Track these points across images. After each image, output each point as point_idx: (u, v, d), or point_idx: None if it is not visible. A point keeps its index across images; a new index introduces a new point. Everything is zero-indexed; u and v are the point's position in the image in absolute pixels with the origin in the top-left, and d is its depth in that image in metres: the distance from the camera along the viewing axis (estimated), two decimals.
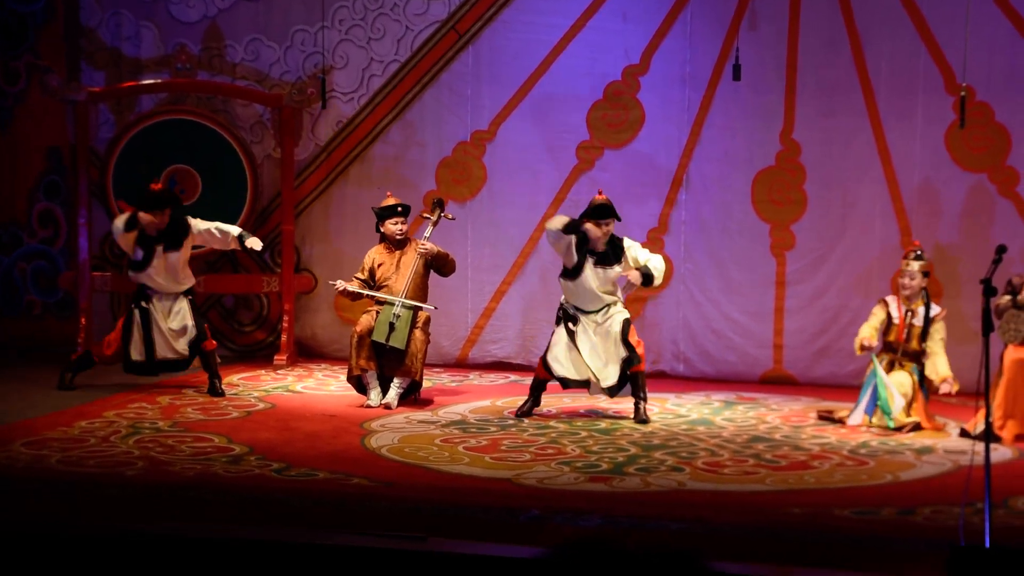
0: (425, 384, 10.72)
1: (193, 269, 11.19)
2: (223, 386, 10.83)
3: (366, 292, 10.60)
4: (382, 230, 10.75)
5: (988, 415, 7.12)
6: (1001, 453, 9.00)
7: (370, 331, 10.34)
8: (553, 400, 10.47)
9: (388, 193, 10.98)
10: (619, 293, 10.22)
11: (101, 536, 6.35)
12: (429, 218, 10.78)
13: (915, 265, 9.98)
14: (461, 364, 12.40)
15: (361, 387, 10.51)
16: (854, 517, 7.54)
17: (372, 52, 12.42)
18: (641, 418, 9.96)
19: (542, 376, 10.22)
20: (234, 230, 10.94)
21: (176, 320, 10.81)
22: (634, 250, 10.15)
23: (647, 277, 10.08)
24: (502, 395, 10.99)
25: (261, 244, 11.03)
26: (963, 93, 10.37)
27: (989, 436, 6.88)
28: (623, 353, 10.02)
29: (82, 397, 10.52)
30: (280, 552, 6.25)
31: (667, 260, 11.87)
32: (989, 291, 6.94)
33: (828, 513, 7.62)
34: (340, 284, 10.62)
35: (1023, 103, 11.26)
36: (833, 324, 11.70)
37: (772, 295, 11.86)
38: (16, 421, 9.64)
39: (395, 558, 6.26)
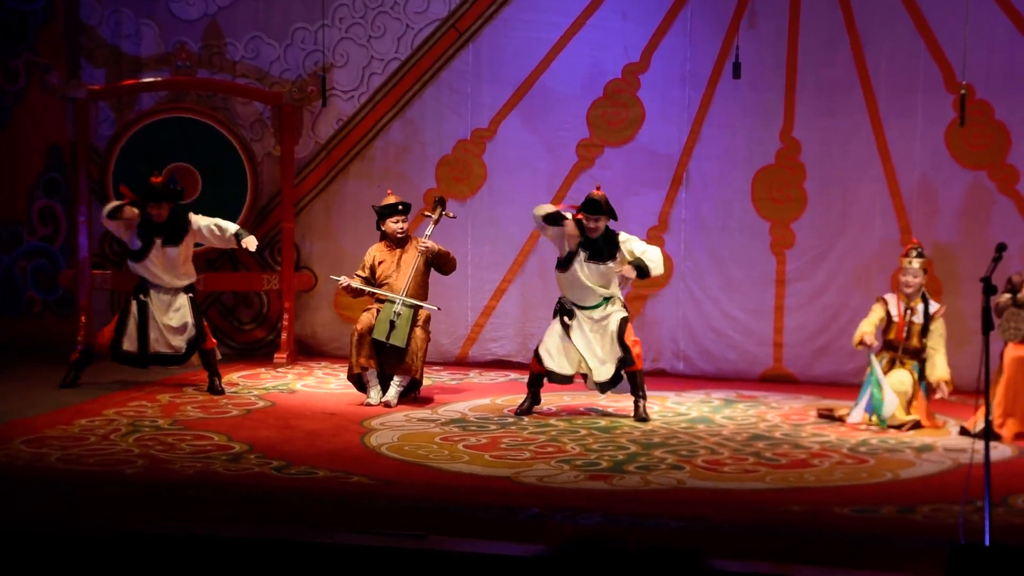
0: (425, 382, 10.72)
1: (195, 267, 11.18)
2: (223, 384, 10.83)
3: (368, 289, 10.59)
4: (383, 228, 10.75)
5: (988, 413, 7.13)
6: (1001, 451, 9.00)
7: (370, 329, 10.34)
8: (553, 398, 10.47)
9: (388, 191, 10.98)
10: (618, 291, 10.20)
11: (101, 535, 6.35)
12: (430, 216, 10.78)
13: (916, 263, 9.99)
14: (461, 362, 12.40)
15: (361, 385, 10.51)
16: (854, 515, 7.54)
17: (372, 50, 12.42)
18: (641, 416, 9.96)
19: (536, 370, 10.22)
20: (232, 227, 10.94)
21: (175, 317, 10.81)
22: (630, 243, 10.09)
23: (641, 269, 10.01)
24: (502, 393, 10.99)
25: (256, 243, 11.01)
26: (963, 91, 10.37)
27: (989, 434, 6.88)
28: (619, 353, 10.02)
29: (82, 395, 10.52)
30: (280, 550, 6.25)
31: (667, 258, 11.88)
32: (989, 289, 6.94)
33: (828, 511, 7.62)
34: (344, 280, 10.62)
35: (1023, 101, 11.25)
36: (833, 322, 11.70)
37: (772, 293, 11.86)
38: (16, 419, 9.63)
39: (395, 556, 6.26)
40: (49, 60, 12.78)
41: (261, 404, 10.42)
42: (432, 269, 10.67)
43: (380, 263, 10.67)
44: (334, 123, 12.52)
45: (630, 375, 10.05)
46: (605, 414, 10.22)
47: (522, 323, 12.13)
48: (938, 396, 9.86)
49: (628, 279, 10.20)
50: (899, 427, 9.69)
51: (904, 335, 9.93)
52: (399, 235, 10.69)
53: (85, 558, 6.01)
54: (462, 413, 10.21)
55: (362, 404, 10.37)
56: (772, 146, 11.75)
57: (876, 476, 8.46)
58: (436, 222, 10.74)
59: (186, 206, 11.31)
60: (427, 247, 10.53)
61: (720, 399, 10.94)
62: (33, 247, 13.14)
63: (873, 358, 9.86)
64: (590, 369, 10.09)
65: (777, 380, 11.76)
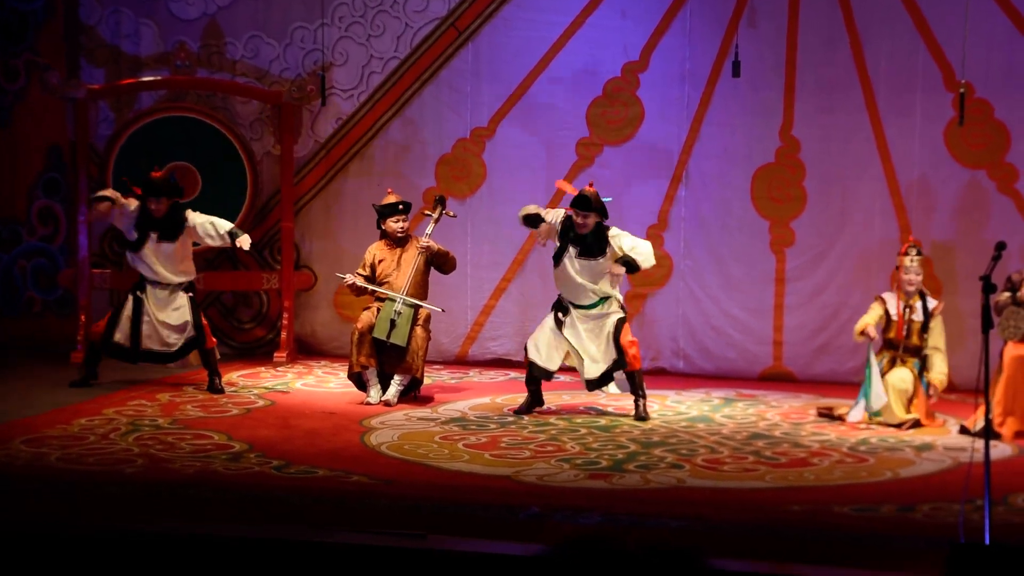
0: (425, 381, 10.71)
1: (194, 266, 11.19)
2: (223, 383, 10.83)
3: (372, 288, 10.58)
4: (383, 227, 10.75)
5: (988, 412, 7.13)
6: (1001, 450, 9.00)
7: (371, 328, 10.34)
8: (553, 397, 10.46)
9: (389, 190, 10.97)
10: (615, 291, 10.17)
11: (101, 534, 6.35)
12: (430, 215, 10.78)
13: (917, 261, 9.98)
14: (461, 361, 12.40)
15: (361, 384, 10.51)
16: (854, 514, 7.54)
17: (372, 49, 12.42)
18: (641, 415, 9.95)
19: (526, 361, 10.22)
20: (226, 225, 10.91)
21: (174, 315, 10.80)
22: (620, 239, 10.05)
23: (629, 265, 9.99)
24: (502, 392, 10.99)
25: (250, 241, 11.01)
26: (962, 90, 10.37)
27: (989, 433, 6.88)
28: (613, 355, 10.02)
29: (81, 395, 10.51)
30: (280, 550, 6.25)
31: (667, 257, 11.93)
32: (988, 288, 6.94)
33: (828, 510, 7.62)
34: (349, 278, 10.60)
35: (1022, 100, 11.25)
36: (833, 321, 11.70)
37: (772, 292, 11.86)
38: (15, 419, 9.63)
39: (395, 556, 6.26)
40: (49, 60, 12.79)
41: (261, 403, 10.42)
42: (432, 268, 10.67)
43: (380, 262, 10.67)
44: (333, 122, 12.52)
45: (629, 375, 10.05)
46: (605, 413, 10.22)
47: (522, 322, 12.12)
48: (931, 397, 9.86)
49: (618, 276, 10.16)
50: (899, 426, 9.69)
51: (904, 334, 9.93)
52: (399, 234, 10.69)
53: (85, 558, 6.01)
54: (462, 412, 10.21)
55: (362, 403, 10.37)
56: (772, 144, 11.75)
57: (876, 475, 8.46)
58: (436, 221, 10.73)
59: (186, 206, 11.31)
60: (427, 246, 10.53)
61: (720, 398, 10.94)
62: (33, 247, 13.14)
63: (872, 351, 9.86)
64: (580, 365, 10.08)
65: (777, 379, 11.76)
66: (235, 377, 11.37)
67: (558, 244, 10.15)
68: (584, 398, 10.54)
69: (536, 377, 10.18)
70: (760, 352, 11.90)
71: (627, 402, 10.21)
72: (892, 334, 9.96)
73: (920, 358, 9.94)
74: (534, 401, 10.20)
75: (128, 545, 6.17)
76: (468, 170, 12.33)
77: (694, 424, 9.87)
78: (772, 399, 10.90)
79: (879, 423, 9.77)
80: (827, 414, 10.15)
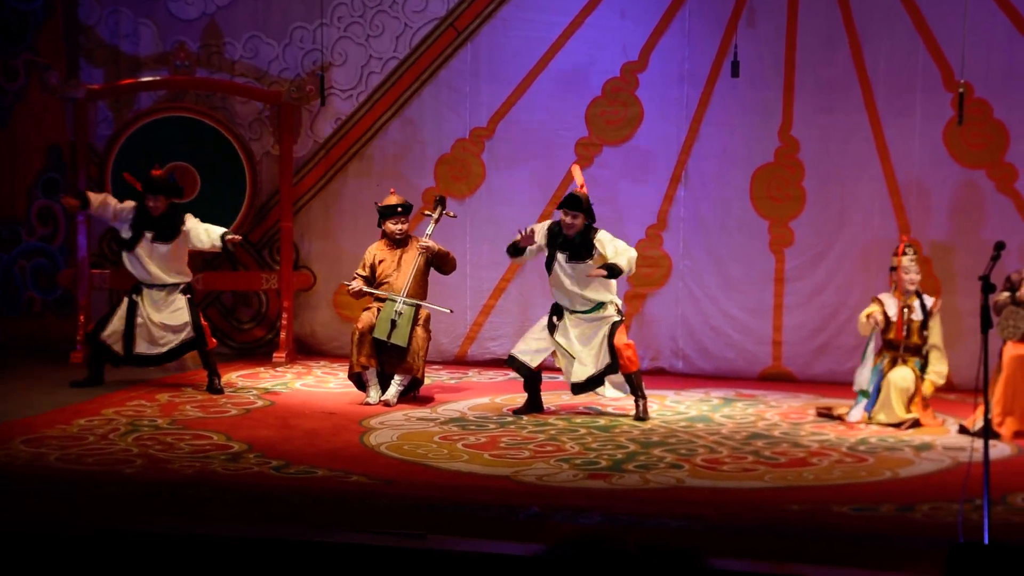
0: (424, 381, 10.71)
1: (192, 266, 11.19)
2: (222, 384, 10.83)
3: (377, 292, 10.55)
4: (383, 227, 10.76)
5: (987, 412, 7.14)
6: (1000, 450, 9.00)
7: (371, 328, 10.33)
8: (552, 398, 10.46)
9: (391, 191, 10.97)
10: (612, 296, 10.15)
11: (100, 534, 6.35)
12: (430, 215, 10.78)
13: (915, 259, 9.98)
14: (460, 361, 12.40)
15: (361, 384, 10.51)
16: (853, 514, 7.55)
17: (371, 49, 12.42)
18: (640, 416, 9.95)
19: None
20: (219, 230, 10.88)
21: (172, 316, 10.79)
22: (604, 244, 10.03)
23: (611, 270, 9.93)
24: (501, 392, 10.99)
25: (240, 237, 11.03)
26: (961, 90, 10.38)
27: (988, 433, 6.89)
28: (607, 360, 10.00)
29: (81, 395, 10.51)
30: (279, 550, 6.25)
31: (666, 257, 11.94)
32: (988, 288, 6.95)
33: (827, 510, 7.62)
34: (354, 285, 10.58)
35: (1021, 99, 11.25)
36: (832, 321, 11.71)
37: (771, 292, 11.86)
38: (15, 419, 9.63)
39: (394, 556, 6.25)
40: (48, 60, 12.79)
41: (260, 403, 10.42)
42: (432, 268, 10.67)
43: (380, 262, 10.67)
44: (333, 122, 12.52)
45: (627, 377, 10.04)
46: (604, 413, 10.22)
47: (521, 322, 12.11)
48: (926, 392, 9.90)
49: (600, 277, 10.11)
50: (898, 425, 9.69)
51: (904, 333, 9.92)
52: (398, 236, 10.69)
53: (85, 558, 6.01)
54: (461, 412, 10.21)
55: (361, 403, 10.37)
56: (771, 144, 11.75)
57: (875, 475, 8.46)
58: (436, 221, 10.73)
59: (186, 209, 11.31)
60: (427, 246, 10.53)
61: (719, 398, 10.94)
62: (32, 247, 13.14)
63: (872, 342, 9.86)
64: (568, 368, 10.07)
65: (776, 379, 11.76)
66: (234, 377, 11.37)
67: (547, 252, 10.15)
68: (584, 398, 10.53)
69: (532, 382, 10.18)
70: (759, 352, 11.90)
71: (626, 402, 10.21)
72: (892, 335, 9.95)
73: (921, 356, 9.94)
74: (533, 406, 10.18)
75: (128, 545, 6.17)
76: (467, 170, 12.33)
77: (693, 424, 9.87)
78: (771, 399, 10.90)
79: (878, 423, 9.77)
80: (826, 414, 10.15)
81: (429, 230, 10.66)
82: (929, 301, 10.02)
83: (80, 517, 7.33)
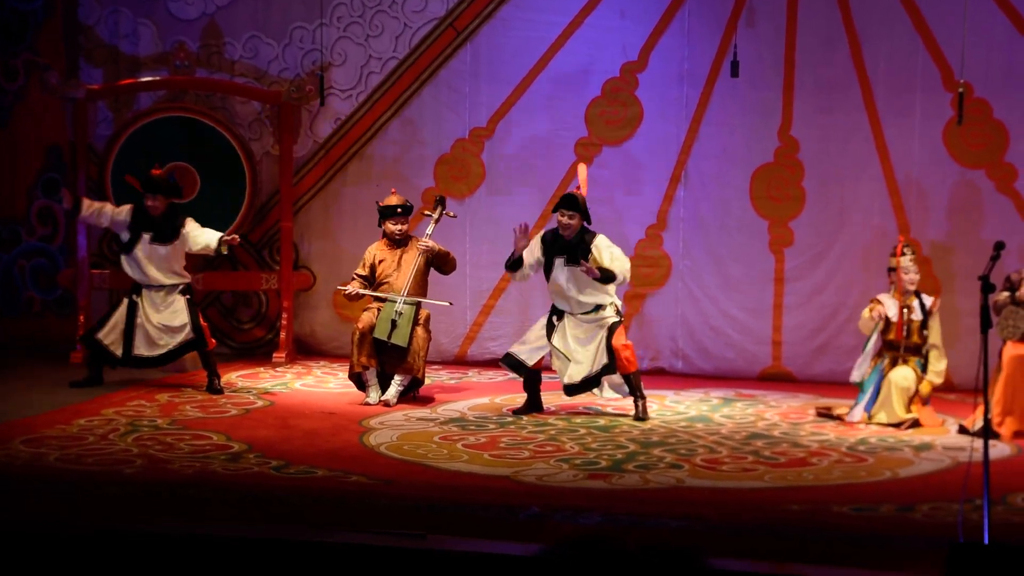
0: (425, 382, 10.70)
1: (191, 267, 11.19)
2: (221, 384, 10.83)
3: (374, 294, 10.55)
4: (383, 227, 10.76)
5: (987, 412, 7.14)
6: (1000, 450, 9.00)
7: (371, 328, 10.33)
8: (552, 398, 10.46)
9: (392, 190, 10.97)
10: (612, 297, 10.14)
11: (100, 534, 6.35)
12: (430, 215, 10.77)
13: (912, 259, 9.97)
14: (460, 361, 12.40)
15: (361, 384, 10.51)
16: (853, 514, 7.54)
17: (370, 49, 12.42)
18: (640, 416, 9.95)
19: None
20: (216, 235, 10.86)
21: (172, 318, 10.78)
22: (601, 250, 10.02)
23: (606, 274, 9.89)
24: (501, 392, 10.99)
25: (238, 237, 11.03)
26: (961, 90, 10.38)
27: (988, 433, 6.89)
28: (604, 360, 10.00)
29: (80, 395, 10.51)
30: (279, 550, 6.25)
31: (666, 257, 11.94)
32: (987, 288, 6.95)
33: (827, 510, 7.62)
34: (350, 289, 10.59)
35: (1021, 99, 11.25)
36: (831, 321, 11.71)
37: (771, 292, 11.86)
38: (15, 419, 9.63)
39: (394, 556, 6.26)
40: (48, 60, 12.79)
41: (260, 403, 10.42)
42: (432, 268, 10.67)
43: (380, 262, 10.67)
44: (332, 122, 12.52)
45: (626, 377, 10.04)
46: (604, 413, 10.22)
47: (521, 322, 12.11)
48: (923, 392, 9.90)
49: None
50: (898, 425, 9.69)
51: (904, 334, 9.92)
52: (398, 236, 10.69)
53: (85, 558, 6.01)
54: (461, 412, 10.21)
55: (361, 403, 10.37)
56: (770, 145, 11.75)
57: (875, 475, 8.46)
58: (436, 221, 10.73)
59: (186, 208, 11.31)
60: (428, 247, 10.53)
61: (719, 398, 10.94)
62: (32, 247, 13.14)
63: (875, 334, 9.85)
64: (563, 368, 10.06)
65: (776, 379, 11.76)
66: (234, 377, 11.37)
67: (544, 260, 10.15)
68: (584, 399, 10.53)
69: (532, 382, 10.18)
70: (759, 352, 11.90)
71: (626, 402, 10.20)
72: (892, 335, 9.94)
73: (922, 356, 9.93)
74: (533, 406, 10.19)
75: (128, 545, 6.18)
76: (467, 170, 12.33)
77: (693, 424, 9.87)
78: (771, 399, 10.90)
79: (878, 423, 9.77)
80: (826, 414, 10.15)
81: (429, 230, 10.66)
82: (928, 300, 10.02)
83: (80, 517, 7.33)
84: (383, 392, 10.41)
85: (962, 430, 9.52)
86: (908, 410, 9.77)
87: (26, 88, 12.97)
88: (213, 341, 10.98)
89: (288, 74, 12.51)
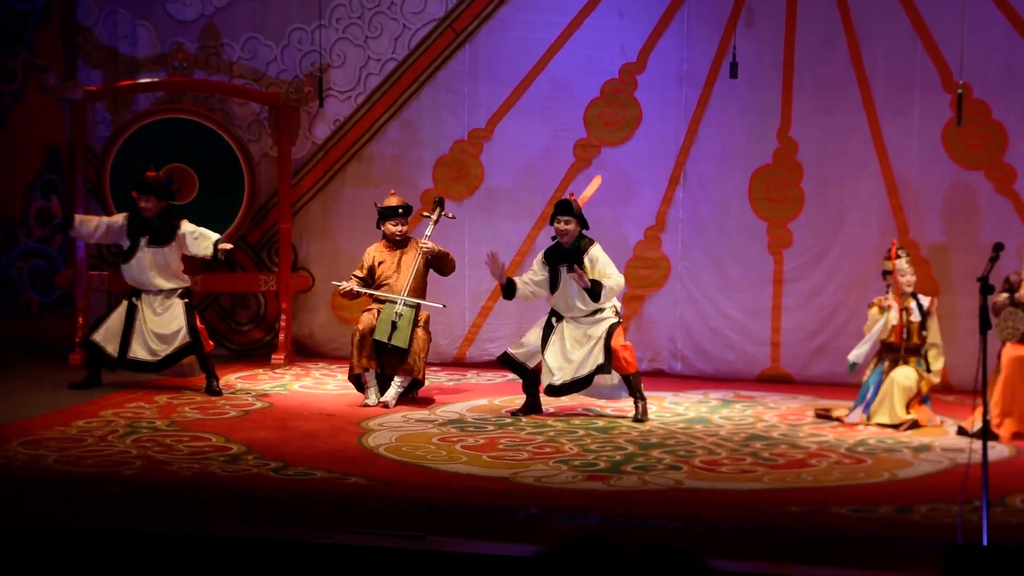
0: (425, 383, 10.70)
1: (190, 268, 11.19)
2: (220, 385, 10.82)
3: (366, 291, 10.56)
4: (382, 228, 10.75)
5: (985, 413, 7.15)
6: (998, 451, 8.99)
7: (372, 330, 10.32)
8: (551, 399, 10.45)
9: (392, 191, 10.97)
10: (611, 300, 10.14)
11: (100, 535, 6.35)
12: (429, 217, 10.77)
13: (907, 261, 9.97)
14: (459, 363, 12.40)
15: (361, 386, 10.51)
16: (852, 515, 7.54)
17: (369, 50, 12.41)
18: (639, 417, 9.95)
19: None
20: (213, 236, 10.85)
21: (166, 325, 10.76)
22: (595, 261, 10.01)
23: (595, 288, 9.87)
24: (500, 394, 10.99)
25: (231, 246, 11.02)
26: (960, 90, 10.37)
27: (986, 434, 6.90)
28: (599, 360, 9.98)
29: (79, 397, 10.51)
30: (278, 551, 6.25)
31: (665, 258, 11.95)
32: (986, 289, 6.95)
33: (826, 511, 7.62)
34: (344, 285, 10.59)
35: (1020, 100, 11.26)
36: (830, 322, 11.70)
37: (769, 293, 11.86)
38: (13, 420, 9.63)
39: (394, 557, 6.25)
40: (46, 61, 12.79)
41: (259, 405, 10.42)
42: (431, 270, 10.67)
43: (380, 263, 10.66)
44: (331, 124, 12.52)
45: (625, 379, 10.04)
46: (602, 415, 10.22)
47: (519, 323, 12.11)
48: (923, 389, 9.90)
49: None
50: (897, 426, 9.69)
51: (903, 336, 9.91)
52: (397, 237, 10.69)
53: (85, 558, 6.01)
54: (460, 414, 10.21)
55: (360, 405, 10.36)
56: (769, 145, 11.75)
57: (874, 476, 8.46)
58: (435, 223, 10.73)
59: (185, 210, 11.31)
60: (429, 248, 10.52)
61: (717, 399, 10.94)
62: (30, 248, 13.14)
63: (880, 324, 9.83)
64: (549, 369, 10.04)
65: (774, 380, 11.76)
66: (233, 379, 11.36)
67: (548, 273, 10.13)
68: (582, 399, 10.52)
69: (531, 383, 10.17)
70: (758, 353, 11.90)
71: (625, 404, 10.21)
72: (892, 338, 9.93)
73: (922, 356, 9.93)
74: (532, 407, 10.18)
75: (128, 546, 6.17)
76: (466, 172, 12.32)
77: (692, 425, 9.87)
78: (770, 400, 10.90)
79: (878, 423, 9.77)
80: (825, 415, 10.15)
81: (428, 231, 10.66)
82: (925, 301, 10.01)
83: (79, 518, 7.33)
84: (382, 394, 10.41)
85: (961, 431, 9.52)
86: (908, 411, 9.76)
87: (24, 89, 12.97)
88: (211, 343, 10.97)
89: (287, 75, 12.51)
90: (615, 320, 10.11)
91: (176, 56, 12.54)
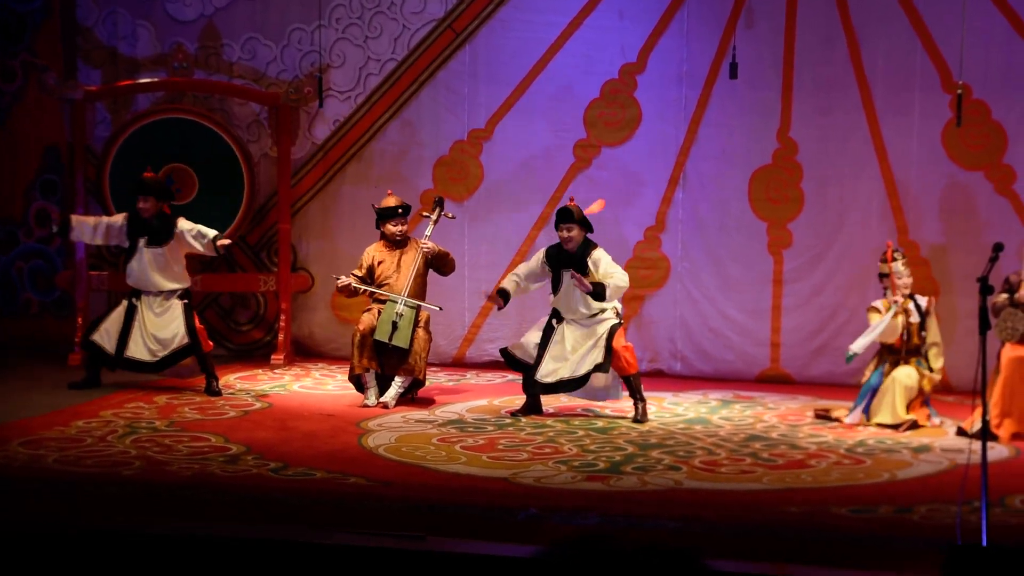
0: (426, 383, 10.69)
1: (190, 268, 11.18)
2: (220, 386, 10.82)
3: (364, 288, 10.56)
4: (382, 229, 10.75)
5: (985, 413, 7.15)
6: (998, 452, 8.99)
7: (372, 330, 10.32)
8: (550, 399, 10.45)
9: (389, 192, 10.97)
10: (611, 302, 10.14)
11: (100, 535, 6.35)
12: (429, 217, 10.78)
13: (905, 263, 9.97)
14: (458, 363, 12.40)
15: (361, 386, 10.50)
16: (851, 515, 7.54)
17: (369, 51, 12.41)
18: (639, 418, 9.95)
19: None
20: (211, 233, 10.86)
21: (164, 327, 10.75)
22: (599, 264, 10.05)
23: (598, 290, 9.90)
24: (499, 394, 10.99)
25: (229, 241, 11.02)
26: (959, 91, 10.37)
27: (986, 434, 6.89)
28: (598, 359, 9.98)
29: (79, 397, 10.51)
30: (278, 551, 6.25)
31: (664, 259, 11.94)
32: (986, 289, 6.95)
33: (825, 511, 7.62)
34: (343, 280, 10.59)
35: (1019, 100, 11.26)
36: (830, 322, 11.70)
37: (769, 293, 11.86)
38: (13, 420, 9.62)
39: (393, 557, 6.26)
40: (46, 61, 12.79)
41: (258, 405, 10.42)
42: (430, 270, 10.67)
43: (380, 263, 10.66)
44: (331, 124, 12.51)
45: (626, 379, 10.04)
46: (602, 415, 10.22)
47: (519, 324, 12.11)
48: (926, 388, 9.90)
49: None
50: (896, 427, 9.69)
51: (904, 337, 9.91)
52: (398, 237, 10.69)
53: (85, 558, 6.01)
54: (459, 414, 10.21)
55: (360, 405, 10.36)
56: (769, 146, 11.75)
57: (873, 476, 8.46)
58: (435, 223, 10.73)
59: (184, 210, 11.31)
60: (429, 248, 10.52)
61: (717, 400, 10.94)
62: (30, 248, 13.14)
63: (886, 320, 9.81)
64: (545, 369, 10.03)
65: (774, 380, 11.76)
66: (232, 379, 11.36)
67: (551, 274, 10.15)
68: (582, 400, 10.52)
69: (528, 381, 10.17)
70: (757, 354, 11.90)
71: (625, 404, 10.21)
72: (893, 341, 9.92)
73: (922, 355, 9.93)
74: (531, 407, 10.18)
75: (127, 546, 6.17)
76: (466, 172, 12.32)
77: (691, 426, 9.87)
78: (769, 401, 10.90)
79: (878, 423, 9.77)
80: (824, 416, 10.15)
81: (428, 231, 10.66)
82: (923, 301, 10.01)
83: (78, 518, 7.33)
84: (382, 394, 10.41)
85: (960, 432, 9.52)
86: (908, 411, 9.76)
87: (24, 89, 12.97)
88: (210, 343, 10.96)
89: (286, 76, 12.51)
90: (616, 321, 10.11)
91: (176, 56, 12.54)
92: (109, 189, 12.26)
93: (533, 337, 10.23)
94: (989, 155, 11.35)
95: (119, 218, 11.00)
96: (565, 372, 10.02)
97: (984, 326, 6.88)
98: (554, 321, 10.19)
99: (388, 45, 12.37)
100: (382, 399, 10.36)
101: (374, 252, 10.74)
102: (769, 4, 11.62)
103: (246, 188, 12.33)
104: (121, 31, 12.75)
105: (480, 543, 6.78)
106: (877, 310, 9.96)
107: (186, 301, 10.88)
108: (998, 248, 7.62)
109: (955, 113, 10.46)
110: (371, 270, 10.66)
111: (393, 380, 10.42)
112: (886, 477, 8.44)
